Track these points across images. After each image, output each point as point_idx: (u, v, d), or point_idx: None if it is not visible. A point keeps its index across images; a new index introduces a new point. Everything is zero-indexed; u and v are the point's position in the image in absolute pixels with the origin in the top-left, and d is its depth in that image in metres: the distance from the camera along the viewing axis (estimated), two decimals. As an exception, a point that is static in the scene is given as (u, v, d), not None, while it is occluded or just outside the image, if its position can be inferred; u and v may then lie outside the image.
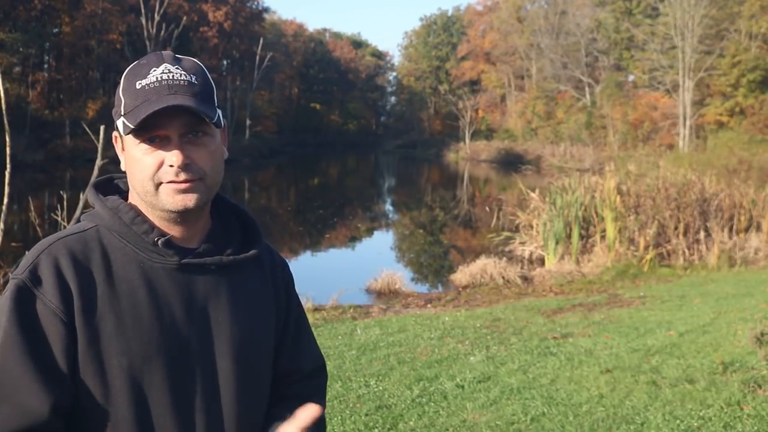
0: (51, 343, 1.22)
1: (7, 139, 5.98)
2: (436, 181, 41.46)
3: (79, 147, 34.42)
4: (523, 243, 13.68)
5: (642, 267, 11.93)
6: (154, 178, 1.27)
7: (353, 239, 18.74)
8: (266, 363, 1.42)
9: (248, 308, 1.38)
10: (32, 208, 7.26)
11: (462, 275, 11.23)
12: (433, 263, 15.29)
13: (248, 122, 54.65)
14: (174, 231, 1.32)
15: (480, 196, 30.19)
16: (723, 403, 4.76)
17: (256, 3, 62.69)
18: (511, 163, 48.96)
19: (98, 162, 5.82)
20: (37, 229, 6.82)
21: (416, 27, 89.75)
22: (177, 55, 1.32)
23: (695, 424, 4.45)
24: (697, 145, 40.45)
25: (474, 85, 70.49)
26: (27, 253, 1.29)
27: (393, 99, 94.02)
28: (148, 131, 1.26)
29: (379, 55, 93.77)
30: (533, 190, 14.75)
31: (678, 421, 4.49)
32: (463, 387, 5.21)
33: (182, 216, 1.30)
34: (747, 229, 13.57)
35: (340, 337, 6.99)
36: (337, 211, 24.20)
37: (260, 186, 34.45)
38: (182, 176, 1.27)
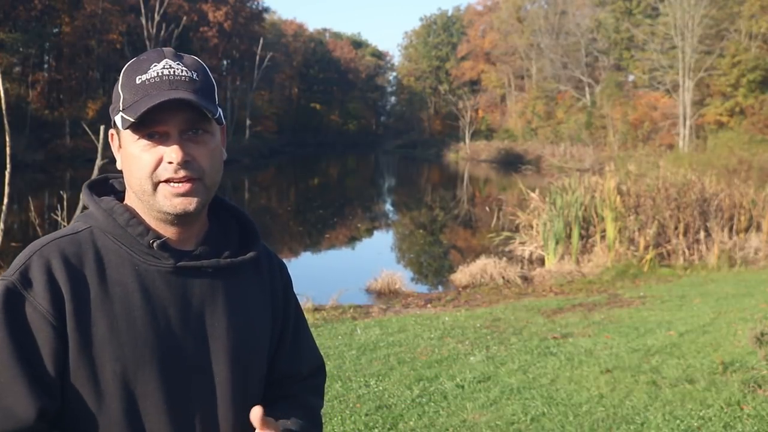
0: (39, 346, 1.19)
1: (7, 139, 5.98)
2: (436, 181, 41.46)
3: (79, 147, 34.40)
4: (523, 243, 13.68)
5: (642, 267, 11.93)
6: (152, 177, 1.24)
7: (353, 239, 18.74)
8: (261, 367, 1.39)
9: (245, 312, 1.35)
10: (32, 208, 7.26)
11: (462, 275, 11.23)
12: (433, 263, 15.30)
13: (248, 122, 54.64)
14: (170, 233, 1.29)
15: (480, 196, 30.19)
16: (723, 403, 4.76)
17: (256, 3, 62.73)
18: (511, 163, 48.95)
19: (98, 162, 5.83)
20: (37, 229, 6.82)
21: (416, 27, 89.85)
22: (178, 52, 1.30)
23: (695, 424, 4.45)
24: (697, 145, 40.44)
25: (474, 85, 70.49)
26: (19, 254, 1.26)
27: (393, 99, 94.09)
28: (147, 126, 1.23)
29: (379, 55, 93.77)
30: (533, 190, 14.75)
31: (678, 421, 4.49)
32: (463, 387, 5.21)
33: (179, 218, 1.27)
34: (747, 229, 13.57)
35: (340, 337, 6.99)
36: (337, 211, 24.20)
37: (260, 186, 34.45)
38: (181, 173, 1.23)
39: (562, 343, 6.60)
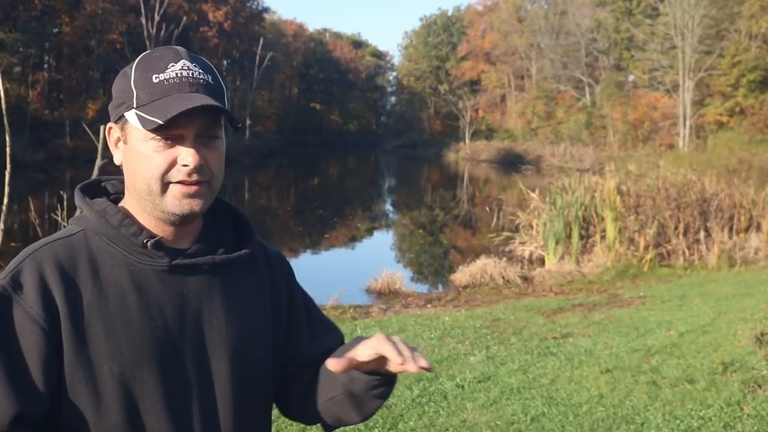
0: (26, 350, 1.18)
1: (7, 139, 5.98)
2: (436, 181, 41.46)
3: (79, 147, 34.37)
4: (523, 243, 13.68)
5: (642, 267, 11.93)
6: (163, 178, 1.23)
7: (353, 239, 18.74)
8: (264, 362, 1.38)
9: (242, 308, 1.34)
10: (32, 208, 7.27)
11: (462, 275, 11.23)
12: (433, 263, 15.30)
13: (248, 122, 54.65)
14: (167, 232, 1.29)
15: (480, 196, 30.19)
16: (723, 403, 4.76)
17: (256, 3, 62.76)
18: (511, 163, 48.96)
19: (98, 162, 5.83)
20: (37, 229, 6.83)
21: (416, 27, 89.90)
22: (190, 53, 1.29)
23: (695, 424, 4.45)
24: (697, 145, 40.47)
25: (474, 85, 70.50)
26: (13, 259, 1.26)
27: (393, 99, 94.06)
28: (165, 128, 1.21)
29: (379, 55, 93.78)
30: (533, 190, 14.75)
31: (678, 421, 4.49)
32: (463, 387, 5.21)
33: (183, 219, 1.27)
34: (747, 229, 13.57)
35: (340, 337, 6.98)
36: (337, 211, 24.20)
37: (260, 186, 34.45)
38: (194, 177, 1.23)
39: (562, 343, 6.61)
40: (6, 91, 5.91)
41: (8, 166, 5.92)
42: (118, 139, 1.30)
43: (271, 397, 1.43)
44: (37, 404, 1.19)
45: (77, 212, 1.36)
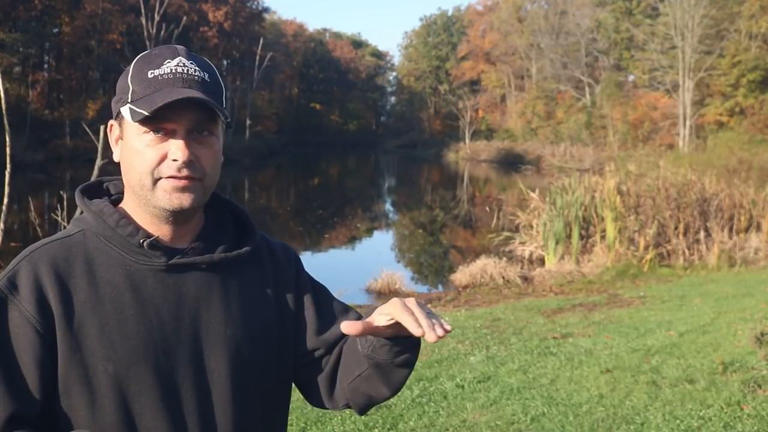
0: (21, 351, 1.19)
1: (7, 139, 5.97)
2: (436, 181, 41.46)
3: (79, 147, 34.38)
4: (523, 243, 13.68)
5: (642, 267, 11.93)
6: (153, 173, 1.23)
7: (353, 239, 18.74)
8: (268, 360, 1.36)
9: (243, 306, 1.33)
10: (32, 208, 7.27)
11: (462, 275, 11.23)
12: (433, 263, 15.30)
13: (248, 122, 54.65)
14: (164, 231, 1.29)
15: (480, 196, 30.19)
16: (723, 403, 4.76)
17: (256, 3, 62.74)
18: (511, 163, 48.96)
19: (98, 162, 5.82)
20: (37, 229, 6.83)
21: (416, 27, 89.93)
22: (191, 52, 1.30)
23: (695, 424, 4.45)
24: (697, 145, 40.47)
25: (474, 85, 70.51)
26: (12, 261, 1.27)
27: (393, 99, 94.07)
28: (156, 122, 1.22)
29: (379, 55, 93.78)
30: (533, 190, 14.75)
31: (678, 421, 4.49)
32: (463, 387, 5.21)
33: (175, 215, 1.27)
34: (747, 229, 13.57)
35: (340, 337, 6.98)
36: (337, 211, 24.20)
37: (260, 186, 34.44)
38: (184, 172, 1.23)
39: (562, 343, 6.61)
40: (6, 91, 5.91)
41: (8, 166, 5.91)
42: (118, 137, 1.30)
43: (284, 395, 1.41)
44: (31, 405, 1.19)
45: (77, 213, 1.36)
